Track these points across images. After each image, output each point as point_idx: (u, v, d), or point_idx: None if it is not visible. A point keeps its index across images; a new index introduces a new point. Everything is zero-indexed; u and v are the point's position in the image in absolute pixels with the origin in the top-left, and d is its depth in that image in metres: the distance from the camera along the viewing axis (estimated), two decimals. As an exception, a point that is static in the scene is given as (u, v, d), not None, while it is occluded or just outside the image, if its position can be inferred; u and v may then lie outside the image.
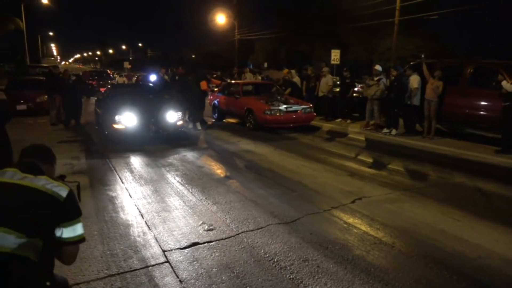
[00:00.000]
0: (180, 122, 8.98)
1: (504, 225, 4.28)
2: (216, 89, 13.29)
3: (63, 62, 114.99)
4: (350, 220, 4.40)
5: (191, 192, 5.36)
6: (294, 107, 10.50)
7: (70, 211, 1.90)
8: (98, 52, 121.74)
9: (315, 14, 35.99)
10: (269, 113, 10.02)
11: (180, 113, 8.99)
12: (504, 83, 7.80)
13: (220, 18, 43.14)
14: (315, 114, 11.05)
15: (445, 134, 9.73)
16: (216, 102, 12.74)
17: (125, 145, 8.28)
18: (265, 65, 42.07)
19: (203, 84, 10.88)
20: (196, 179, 6.03)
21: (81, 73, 16.30)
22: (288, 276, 3.21)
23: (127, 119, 8.34)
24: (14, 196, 1.81)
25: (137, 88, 11.89)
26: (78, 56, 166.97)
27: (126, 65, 50.67)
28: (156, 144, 8.46)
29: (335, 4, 32.03)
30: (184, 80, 10.88)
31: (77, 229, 1.90)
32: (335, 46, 24.55)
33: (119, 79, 30.82)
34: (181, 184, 5.76)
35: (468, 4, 23.22)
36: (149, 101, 9.47)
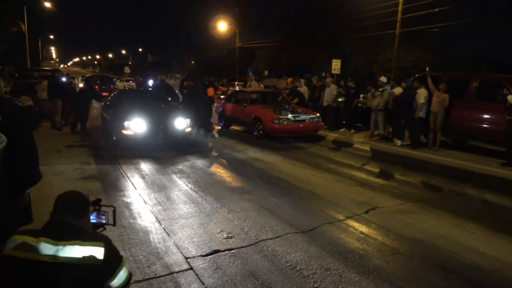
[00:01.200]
0: (188, 129, 9.02)
1: (518, 238, 4.35)
2: (222, 96, 13.36)
3: (62, 65, 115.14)
4: (366, 230, 4.46)
5: (205, 200, 5.40)
6: (302, 117, 10.55)
7: (111, 268, 1.92)
8: (98, 56, 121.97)
9: (317, 23, 36.30)
10: (277, 122, 10.09)
11: (189, 120, 9.03)
12: (509, 97, 7.92)
13: (222, 26, 43.50)
14: (322, 124, 11.13)
15: (449, 146, 9.83)
16: (222, 109, 12.79)
17: (134, 151, 8.31)
18: (266, 73, 42.32)
19: (210, 91, 10.97)
20: (208, 186, 6.07)
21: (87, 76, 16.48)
22: (312, 285, 3.26)
23: (136, 125, 8.37)
24: (55, 276, 1.81)
25: (146, 93, 11.93)
26: (77, 59, 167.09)
27: (126, 69, 50.79)
28: (165, 150, 8.50)
29: (337, 14, 32.33)
30: (193, 90, 10.92)
31: (121, 276, 1.95)
32: (336, 56, 24.80)
33: (120, 84, 30.76)
34: (194, 191, 5.80)
35: (470, 17, 23.57)
36: (158, 107, 9.52)
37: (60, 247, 1.84)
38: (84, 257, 1.83)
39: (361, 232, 4.41)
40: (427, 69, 10.22)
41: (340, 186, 6.30)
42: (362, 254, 3.86)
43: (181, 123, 8.85)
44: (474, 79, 9.38)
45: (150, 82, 16.01)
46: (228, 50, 50.15)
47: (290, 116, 10.32)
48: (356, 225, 4.62)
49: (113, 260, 1.95)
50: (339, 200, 5.55)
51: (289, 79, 15.92)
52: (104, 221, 2.36)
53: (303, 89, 13.47)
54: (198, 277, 3.33)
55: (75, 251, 1.84)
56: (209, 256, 3.72)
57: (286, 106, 10.89)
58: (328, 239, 4.19)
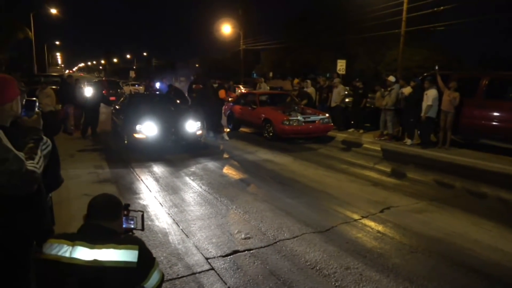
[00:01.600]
0: (199, 132, 9.08)
1: (536, 235, 4.34)
2: (230, 99, 13.41)
3: (67, 71, 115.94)
4: (383, 230, 4.48)
5: (220, 201, 5.44)
6: (312, 118, 10.59)
7: (145, 270, 1.96)
8: (102, 61, 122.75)
9: (321, 24, 36.32)
10: (287, 123, 10.13)
11: (199, 122, 9.09)
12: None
13: (226, 28, 43.63)
14: (332, 124, 11.15)
15: (460, 145, 9.80)
16: (231, 112, 12.87)
17: (146, 154, 8.38)
18: (271, 74, 42.40)
19: (222, 93, 11.02)
20: (222, 188, 6.12)
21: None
22: (333, 283, 3.28)
23: (148, 129, 8.45)
24: (92, 279, 1.86)
25: (156, 97, 12.01)
26: (82, 64, 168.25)
27: (132, 74, 51.18)
28: (176, 153, 8.56)
29: (341, 15, 32.34)
30: (203, 93, 10.98)
31: (155, 278, 2.00)
32: (341, 56, 24.82)
33: (126, 89, 30.93)
34: (209, 193, 5.85)
35: (476, 15, 23.49)
36: (169, 111, 9.60)
37: (96, 250, 1.88)
38: (119, 260, 1.87)
39: (378, 231, 4.43)
40: (436, 67, 10.19)
41: (354, 186, 6.32)
42: (380, 253, 3.88)
43: (192, 126, 8.92)
44: (484, 77, 9.36)
45: (157, 85, 16.35)
46: (232, 52, 50.29)
47: (300, 117, 10.36)
48: (372, 224, 4.64)
49: (147, 262, 1.99)
50: (353, 200, 5.57)
51: (296, 80, 15.94)
52: (132, 226, 2.39)
53: (310, 90, 13.50)
54: (220, 277, 3.37)
55: (111, 254, 1.88)
56: (229, 257, 3.76)
57: (296, 108, 10.93)
58: (345, 238, 4.22)
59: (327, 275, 3.43)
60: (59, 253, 1.87)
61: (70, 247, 1.88)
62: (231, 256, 3.78)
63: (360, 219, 4.81)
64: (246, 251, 3.87)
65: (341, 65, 20.51)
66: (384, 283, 3.29)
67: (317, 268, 3.55)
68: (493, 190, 6.18)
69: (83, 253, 1.87)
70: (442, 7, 21.81)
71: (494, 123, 8.86)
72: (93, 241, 1.91)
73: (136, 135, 8.49)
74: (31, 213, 1.82)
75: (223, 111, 11.97)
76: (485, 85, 9.12)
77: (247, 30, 44.16)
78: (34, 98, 1.94)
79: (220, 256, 3.77)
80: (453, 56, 30.45)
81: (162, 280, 2.08)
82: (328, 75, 25.27)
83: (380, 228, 4.53)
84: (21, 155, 1.58)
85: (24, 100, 1.95)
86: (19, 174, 1.54)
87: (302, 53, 40.22)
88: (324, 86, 13.44)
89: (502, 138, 8.91)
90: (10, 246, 1.74)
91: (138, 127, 8.47)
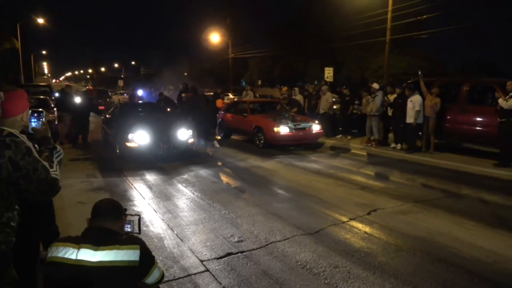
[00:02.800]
0: (191, 140, 9.21)
1: (513, 233, 4.59)
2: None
3: (54, 80, 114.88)
4: (370, 230, 4.68)
5: (213, 207, 5.59)
6: (302, 125, 10.76)
7: (146, 267, 2.11)
8: (90, 70, 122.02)
9: (308, 33, 36.87)
10: (278, 131, 10.27)
11: (191, 131, 9.22)
12: (500, 100, 8.23)
13: (214, 37, 43.95)
14: (322, 131, 11.37)
15: (443, 149, 10.11)
16: (222, 120, 12.97)
17: (138, 162, 8.48)
18: (259, 82, 42.78)
19: (219, 102, 11.23)
20: (214, 194, 6.26)
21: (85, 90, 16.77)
22: (323, 281, 3.46)
23: (140, 137, 8.55)
24: (97, 279, 1.98)
25: (146, 106, 12.12)
26: (69, 74, 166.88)
27: (120, 83, 51.04)
28: (168, 161, 8.68)
29: (328, 23, 32.89)
30: (194, 101, 11.11)
31: (155, 274, 2.16)
32: (329, 64, 25.24)
33: (114, 98, 30.94)
34: (202, 199, 5.99)
35: (459, 22, 24.18)
36: (160, 119, 9.72)
37: (100, 251, 2.01)
38: (123, 260, 2.01)
39: (365, 232, 4.63)
40: (420, 73, 10.50)
41: (342, 190, 6.53)
42: (367, 252, 4.07)
43: (184, 134, 9.04)
44: (465, 83, 9.71)
45: (140, 92, 16.52)
46: (220, 61, 50.57)
47: (290, 124, 10.52)
48: (360, 225, 4.84)
49: (148, 260, 2.13)
50: (341, 203, 5.77)
51: (285, 88, 16.19)
52: (129, 230, 2.52)
53: (298, 97, 13.76)
54: (215, 278, 3.52)
55: (114, 254, 2.01)
56: (223, 259, 3.91)
57: (286, 115, 11.11)
58: (334, 239, 4.41)
59: (316, 273, 3.60)
60: (66, 256, 1.99)
61: (76, 250, 2.00)
62: (225, 258, 3.93)
63: (348, 221, 5.01)
64: (239, 253, 4.03)
65: (328, 73, 20.87)
66: (371, 280, 3.48)
67: (307, 267, 3.72)
68: (474, 191, 6.45)
69: (88, 255, 1.99)
70: (425, 16, 22.44)
71: (475, 127, 9.19)
72: (97, 243, 2.04)
73: (128, 144, 8.58)
74: (44, 216, 1.97)
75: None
76: (466, 91, 9.47)
77: (235, 38, 44.54)
78: (41, 109, 2.06)
79: (214, 258, 3.92)
80: (436, 62, 31.16)
81: (162, 277, 2.24)
82: (316, 82, 25.69)
83: (367, 229, 4.73)
84: (46, 164, 1.74)
85: (31, 110, 2.09)
86: (46, 181, 1.72)
87: (290, 61, 40.73)
88: (313, 93, 13.72)
89: (483, 142, 9.22)
90: (25, 245, 1.89)
91: (130, 135, 8.56)
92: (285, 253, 4.03)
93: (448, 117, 9.54)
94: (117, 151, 9.12)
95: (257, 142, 10.92)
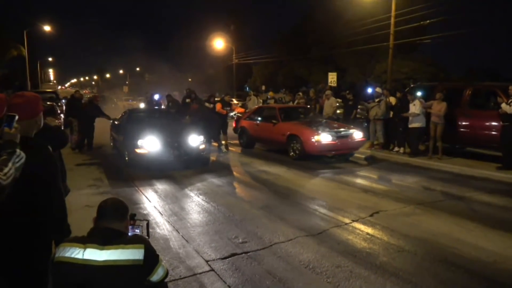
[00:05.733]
0: (202, 146, 9.02)
1: (514, 234, 4.65)
2: (238, 114, 13.43)
3: (59, 87, 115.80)
4: (372, 232, 4.75)
5: (218, 209, 5.69)
6: (344, 132, 9.63)
7: (151, 266, 2.18)
8: (95, 77, 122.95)
9: (312, 39, 37.07)
10: (318, 139, 9.10)
11: (202, 137, 9.05)
12: (503, 105, 8.27)
13: (218, 43, 44.27)
14: (365, 138, 10.20)
15: (449, 153, 10.11)
16: (243, 128, 11.85)
17: (145, 167, 8.41)
18: (263, 88, 42.92)
19: (218, 106, 11.19)
20: (219, 197, 6.36)
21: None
22: (325, 280, 3.54)
23: (150, 144, 8.41)
24: (103, 278, 2.06)
25: (155, 112, 12.22)
26: (74, 80, 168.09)
27: (125, 89, 51.53)
28: (177, 167, 8.49)
29: (331, 29, 33.05)
30: (202, 114, 10.91)
31: (160, 272, 2.23)
32: (332, 70, 25.37)
33: (120, 104, 31.12)
34: (206, 202, 6.09)
35: (463, 28, 24.26)
36: (169, 125, 9.63)
37: (106, 251, 2.08)
38: (128, 259, 2.08)
39: (367, 233, 4.70)
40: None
41: (345, 193, 6.60)
42: (369, 252, 4.14)
43: (195, 140, 8.84)
44: (468, 87, 9.77)
45: (156, 97, 17.25)
46: (224, 67, 50.83)
47: (332, 132, 9.36)
48: (362, 227, 4.92)
49: (152, 259, 2.21)
50: (344, 205, 5.84)
51: (300, 94, 16.24)
52: (139, 234, 2.61)
53: (301, 101, 13.93)
54: (220, 277, 3.61)
55: (120, 254, 2.08)
56: (227, 259, 4.00)
57: (323, 122, 10.20)
58: (336, 240, 4.49)
59: (319, 273, 3.68)
60: (73, 255, 2.06)
61: (82, 250, 2.07)
62: (230, 258, 4.02)
63: (350, 222, 5.08)
64: (244, 254, 4.12)
65: (332, 78, 21.03)
66: (372, 279, 3.55)
67: (310, 267, 3.80)
68: (476, 194, 6.50)
69: (95, 255, 2.06)
70: (428, 21, 22.53)
71: (478, 131, 9.23)
72: (103, 243, 2.11)
73: (138, 150, 8.40)
74: (56, 216, 2.08)
75: (233, 128, 12.00)
76: (469, 95, 9.53)
77: (239, 44, 44.82)
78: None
79: (219, 258, 4.02)
80: (440, 68, 31.18)
81: (166, 274, 2.31)
82: (318, 87, 25.79)
83: (369, 230, 4.80)
84: None
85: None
86: None
87: (294, 67, 40.87)
88: (313, 98, 13.86)
89: (485, 145, 9.27)
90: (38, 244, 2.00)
91: (140, 142, 8.40)
92: (289, 254, 4.12)
93: (452, 121, 9.59)
94: (126, 158, 8.96)
95: (292, 153, 9.68)
